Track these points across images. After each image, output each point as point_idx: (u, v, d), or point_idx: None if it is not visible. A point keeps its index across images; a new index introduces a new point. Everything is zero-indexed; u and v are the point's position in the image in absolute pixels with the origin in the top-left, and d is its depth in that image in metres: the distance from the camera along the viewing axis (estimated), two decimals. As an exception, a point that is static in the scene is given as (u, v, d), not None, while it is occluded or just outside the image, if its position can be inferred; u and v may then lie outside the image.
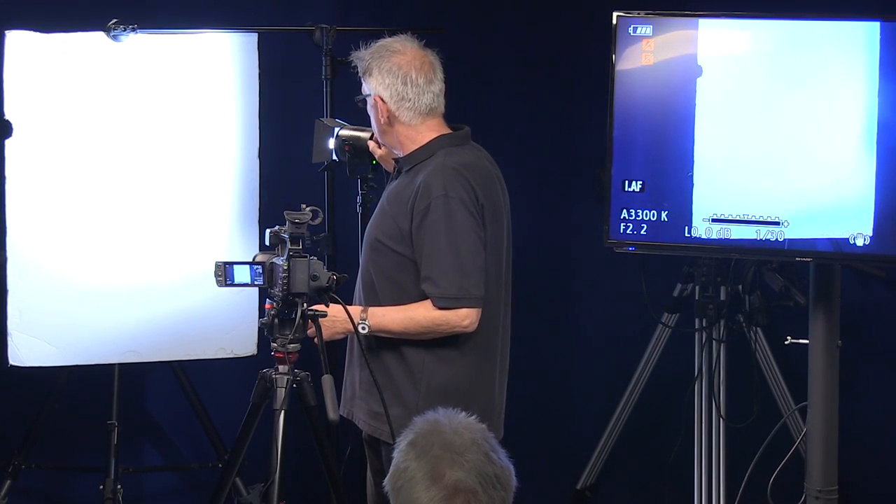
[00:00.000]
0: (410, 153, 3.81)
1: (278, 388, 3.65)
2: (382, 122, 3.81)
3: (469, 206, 3.69)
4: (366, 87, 3.84)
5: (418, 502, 2.43)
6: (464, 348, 3.77)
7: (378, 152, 4.06)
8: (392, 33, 5.19)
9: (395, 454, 2.51)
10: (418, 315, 3.72)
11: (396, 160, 3.90)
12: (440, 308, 3.69)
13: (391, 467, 2.50)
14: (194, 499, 5.36)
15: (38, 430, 4.84)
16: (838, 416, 4.13)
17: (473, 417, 2.55)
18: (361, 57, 3.82)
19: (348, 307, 3.70)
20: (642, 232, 4.06)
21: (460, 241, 3.69)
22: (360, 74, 3.83)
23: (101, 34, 4.56)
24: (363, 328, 3.71)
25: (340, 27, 4.77)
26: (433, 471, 2.44)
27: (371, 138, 4.17)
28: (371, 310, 3.74)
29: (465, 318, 3.70)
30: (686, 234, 4.03)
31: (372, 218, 3.89)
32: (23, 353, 4.59)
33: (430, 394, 3.73)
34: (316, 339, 3.65)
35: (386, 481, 2.51)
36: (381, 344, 3.78)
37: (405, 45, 3.80)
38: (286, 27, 4.92)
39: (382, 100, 3.78)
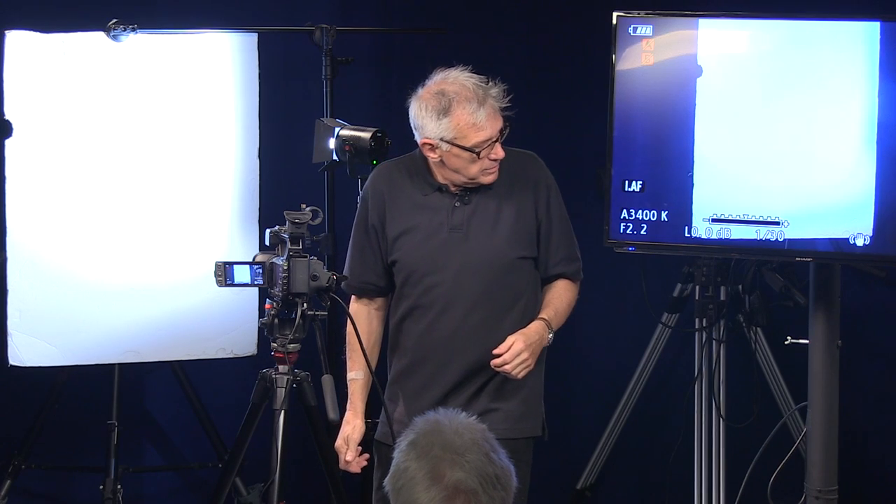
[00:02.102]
0: None
1: (278, 388, 3.65)
2: None
3: None
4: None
5: (418, 502, 2.43)
6: None
7: None
8: (392, 33, 5.22)
9: (396, 454, 2.51)
10: (571, 298, 3.88)
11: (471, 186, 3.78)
12: (576, 282, 3.89)
13: (391, 467, 2.50)
14: (194, 499, 5.36)
15: (38, 430, 4.84)
16: (838, 416, 4.13)
17: (474, 418, 2.55)
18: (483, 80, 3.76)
19: (530, 327, 3.74)
20: (642, 232, 4.06)
21: (568, 218, 3.90)
22: (505, 105, 3.75)
23: (101, 34, 4.56)
24: (551, 337, 3.82)
25: (340, 27, 4.77)
26: (433, 471, 2.44)
27: (372, 138, 4.18)
28: (547, 318, 3.80)
29: None
30: (686, 234, 4.03)
31: (467, 251, 3.76)
32: (23, 353, 4.59)
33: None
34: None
35: (386, 481, 2.51)
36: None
37: None
38: (286, 27, 4.92)
39: None
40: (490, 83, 3.72)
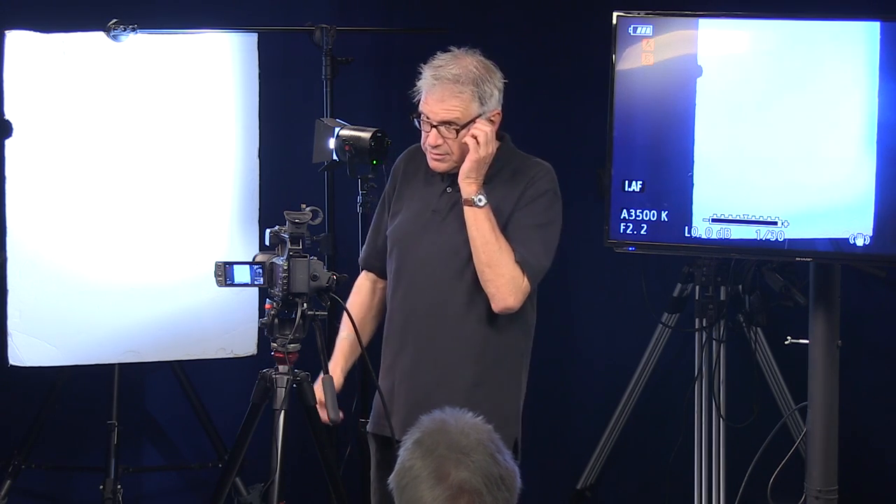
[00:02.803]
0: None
1: (278, 388, 3.64)
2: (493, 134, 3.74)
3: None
4: (480, 108, 3.69)
5: (422, 501, 2.43)
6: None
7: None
8: (392, 33, 5.21)
9: (401, 452, 2.51)
10: (506, 247, 3.66)
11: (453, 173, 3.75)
12: (518, 263, 3.67)
13: (397, 465, 2.50)
14: (194, 499, 5.36)
15: (38, 430, 4.84)
16: (838, 416, 4.13)
17: (481, 418, 2.55)
18: (475, 79, 3.68)
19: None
20: (642, 232, 4.06)
21: (551, 232, 3.75)
22: (480, 97, 3.68)
23: (101, 34, 4.56)
24: (481, 201, 3.65)
25: (340, 27, 4.77)
26: (438, 470, 2.44)
27: (372, 138, 4.19)
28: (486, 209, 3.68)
29: (526, 291, 3.69)
30: (686, 234, 4.03)
31: (441, 234, 3.74)
32: (23, 353, 4.59)
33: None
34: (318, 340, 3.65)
35: (391, 479, 2.51)
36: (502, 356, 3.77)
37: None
38: (286, 27, 4.92)
39: (499, 112, 3.76)
40: (485, 75, 3.69)
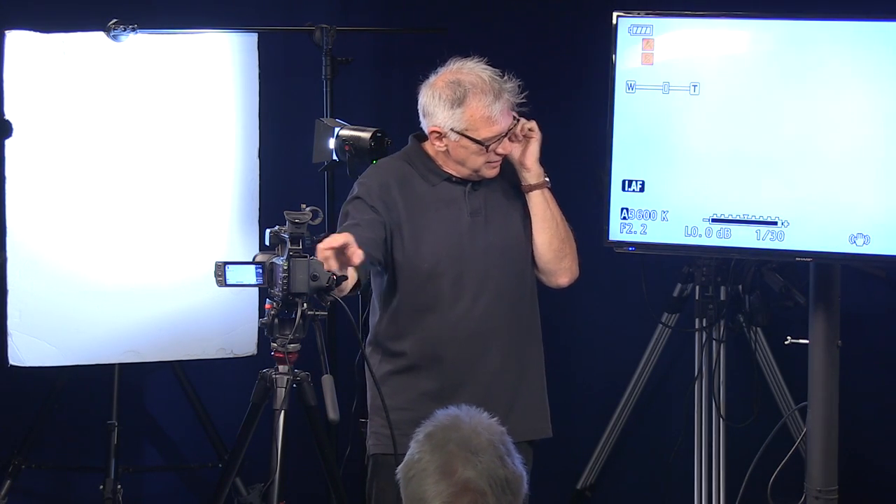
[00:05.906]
0: None
1: (278, 388, 3.64)
2: None
3: None
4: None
5: (426, 494, 2.44)
6: None
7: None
8: (392, 33, 5.21)
9: (412, 444, 2.51)
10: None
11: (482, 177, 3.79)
12: None
13: (406, 456, 2.51)
14: (194, 499, 5.36)
15: (38, 430, 4.84)
16: (838, 416, 4.13)
17: (495, 419, 2.55)
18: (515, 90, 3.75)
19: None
20: (642, 232, 4.06)
21: None
22: (517, 105, 3.76)
23: (101, 34, 4.56)
24: (548, 181, 3.83)
25: (340, 27, 4.77)
26: (445, 466, 2.45)
27: (372, 138, 4.20)
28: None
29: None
30: (686, 234, 4.03)
31: (491, 233, 3.78)
32: (23, 353, 4.59)
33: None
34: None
35: (398, 469, 2.51)
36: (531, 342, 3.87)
37: None
38: (286, 27, 4.93)
39: None
40: (505, 77, 3.72)
